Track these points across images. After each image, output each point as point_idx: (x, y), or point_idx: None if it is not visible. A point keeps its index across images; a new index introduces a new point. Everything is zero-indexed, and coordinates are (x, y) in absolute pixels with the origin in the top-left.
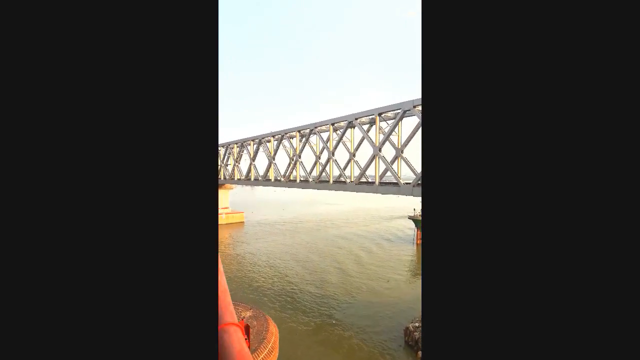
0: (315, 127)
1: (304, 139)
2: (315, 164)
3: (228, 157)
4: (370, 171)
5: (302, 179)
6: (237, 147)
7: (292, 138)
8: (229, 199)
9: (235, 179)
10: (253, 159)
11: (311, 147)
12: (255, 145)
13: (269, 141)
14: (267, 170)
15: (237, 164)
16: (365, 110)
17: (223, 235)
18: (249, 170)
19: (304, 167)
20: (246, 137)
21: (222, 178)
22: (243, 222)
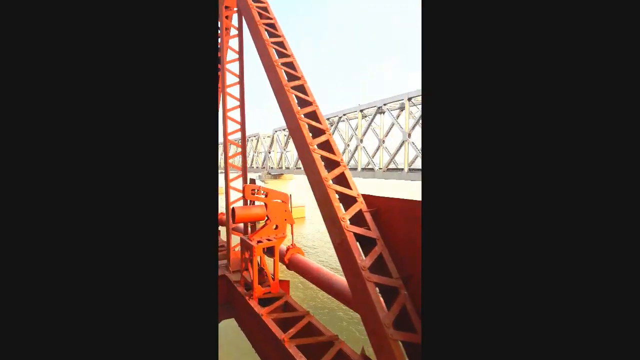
0: (329, 119)
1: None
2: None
3: (270, 145)
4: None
5: None
6: (285, 134)
7: None
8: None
9: (283, 167)
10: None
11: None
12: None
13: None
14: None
15: (285, 150)
16: (369, 102)
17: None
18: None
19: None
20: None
21: (275, 167)
22: (304, 217)
